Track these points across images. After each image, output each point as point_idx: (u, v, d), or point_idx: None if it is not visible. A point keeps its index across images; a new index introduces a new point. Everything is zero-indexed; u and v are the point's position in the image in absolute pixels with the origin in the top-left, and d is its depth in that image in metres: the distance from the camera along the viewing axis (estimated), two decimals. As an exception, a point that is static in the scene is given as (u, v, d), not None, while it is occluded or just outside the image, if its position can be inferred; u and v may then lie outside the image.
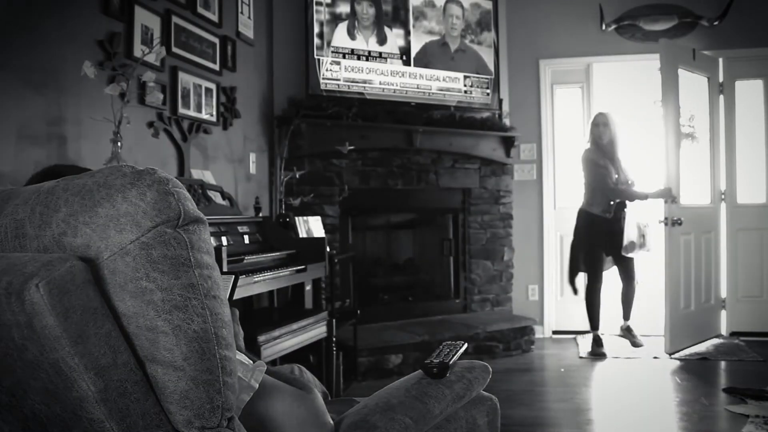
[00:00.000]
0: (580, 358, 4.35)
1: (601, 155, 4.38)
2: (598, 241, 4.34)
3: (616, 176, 4.35)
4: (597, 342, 4.44)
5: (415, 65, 4.42)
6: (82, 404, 0.84)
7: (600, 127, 4.40)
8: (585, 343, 4.63)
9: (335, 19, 4.17)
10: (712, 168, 4.87)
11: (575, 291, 4.54)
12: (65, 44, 2.38)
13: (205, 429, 0.89)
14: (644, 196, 4.30)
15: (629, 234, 4.27)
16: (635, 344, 4.43)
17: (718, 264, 4.86)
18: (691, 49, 4.64)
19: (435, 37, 4.52)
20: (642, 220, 4.32)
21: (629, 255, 4.31)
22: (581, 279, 4.57)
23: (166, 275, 0.85)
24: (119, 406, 0.85)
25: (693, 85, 4.73)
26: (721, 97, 4.88)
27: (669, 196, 4.27)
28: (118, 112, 2.36)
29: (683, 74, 4.59)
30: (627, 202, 4.32)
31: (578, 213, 4.51)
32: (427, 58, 4.47)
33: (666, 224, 4.31)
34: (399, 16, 4.40)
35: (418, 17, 4.45)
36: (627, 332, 4.51)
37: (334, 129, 4.03)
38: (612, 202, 4.31)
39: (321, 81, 4.08)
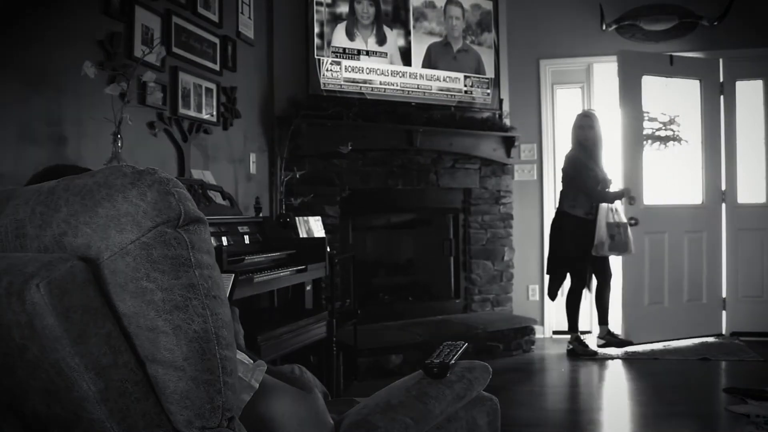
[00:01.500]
0: (582, 358, 4.35)
1: (586, 157, 4.37)
2: (584, 243, 4.33)
3: (602, 177, 4.35)
4: (581, 342, 4.42)
5: (422, 67, 4.43)
6: (82, 404, 0.84)
7: (585, 129, 4.39)
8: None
9: (335, 19, 4.17)
10: (704, 168, 4.90)
11: (554, 297, 4.53)
12: (65, 44, 2.38)
13: (205, 429, 0.89)
14: (613, 198, 4.36)
15: (600, 234, 4.27)
16: (622, 344, 4.37)
17: (718, 263, 4.87)
18: (668, 56, 4.74)
19: (437, 38, 4.53)
20: (614, 219, 4.29)
21: (601, 254, 4.31)
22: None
23: (166, 275, 0.85)
24: (120, 406, 0.85)
25: (678, 88, 4.85)
26: (722, 97, 4.89)
27: (627, 196, 4.38)
28: (118, 112, 2.36)
29: (660, 79, 4.78)
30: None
31: (559, 216, 4.46)
32: (432, 59, 4.48)
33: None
34: (399, 17, 4.39)
35: (418, 18, 4.46)
36: (609, 336, 4.44)
37: (335, 129, 4.03)
38: (593, 204, 4.32)
39: (321, 81, 4.08)
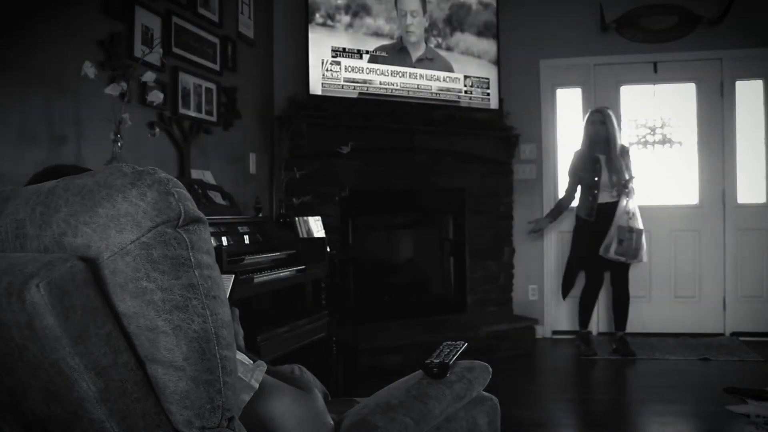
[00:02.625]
0: (581, 358, 4.35)
1: (586, 154, 4.36)
2: (589, 244, 4.30)
3: (597, 178, 4.29)
4: (586, 341, 4.40)
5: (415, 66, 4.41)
6: (82, 404, 0.84)
7: (596, 125, 4.35)
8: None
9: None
10: (700, 169, 4.94)
11: (565, 296, 4.60)
12: (65, 44, 2.38)
13: (205, 429, 0.89)
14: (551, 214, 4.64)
15: (610, 235, 4.21)
16: (627, 354, 4.24)
17: (718, 263, 4.88)
18: (652, 64, 4.91)
19: (386, 41, 4.31)
20: (627, 224, 4.22)
21: (607, 257, 4.24)
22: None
23: (166, 275, 0.85)
24: (120, 406, 0.85)
25: (671, 91, 4.99)
26: (722, 97, 4.89)
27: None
28: (118, 112, 2.36)
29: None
30: (614, 205, 4.28)
31: (575, 217, 4.53)
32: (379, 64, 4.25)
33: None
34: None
35: (357, 12, 4.18)
36: (620, 343, 4.32)
37: (335, 129, 4.03)
38: (593, 206, 4.31)
39: (321, 81, 4.08)
